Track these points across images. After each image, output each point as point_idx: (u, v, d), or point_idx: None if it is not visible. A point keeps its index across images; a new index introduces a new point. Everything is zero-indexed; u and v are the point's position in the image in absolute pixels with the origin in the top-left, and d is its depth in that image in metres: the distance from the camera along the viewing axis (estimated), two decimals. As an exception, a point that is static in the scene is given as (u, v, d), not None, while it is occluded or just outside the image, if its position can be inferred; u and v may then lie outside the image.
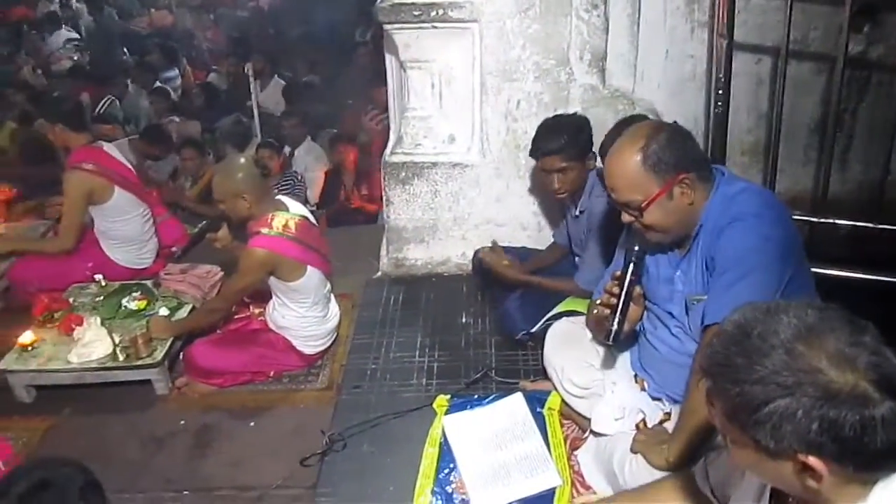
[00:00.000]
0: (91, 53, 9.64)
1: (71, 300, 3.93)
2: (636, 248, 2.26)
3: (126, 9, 11.86)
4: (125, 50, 9.59)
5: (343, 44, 9.22)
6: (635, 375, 2.59)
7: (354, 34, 9.48)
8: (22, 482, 1.62)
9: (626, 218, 2.23)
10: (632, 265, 2.24)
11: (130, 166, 4.44)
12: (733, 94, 3.14)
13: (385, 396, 3.09)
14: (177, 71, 8.53)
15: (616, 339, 2.25)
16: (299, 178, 5.69)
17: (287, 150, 6.09)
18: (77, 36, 10.42)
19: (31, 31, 10.17)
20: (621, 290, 2.24)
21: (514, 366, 3.23)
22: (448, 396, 2.94)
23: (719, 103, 3.07)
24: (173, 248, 4.66)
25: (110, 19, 10.97)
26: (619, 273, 2.28)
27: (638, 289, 2.31)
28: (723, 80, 3.02)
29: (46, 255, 4.32)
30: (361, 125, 6.67)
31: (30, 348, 3.56)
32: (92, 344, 3.51)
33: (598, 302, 2.36)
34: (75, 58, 9.46)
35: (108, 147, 4.37)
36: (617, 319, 2.23)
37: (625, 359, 2.65)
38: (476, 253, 3.67)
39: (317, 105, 7.19)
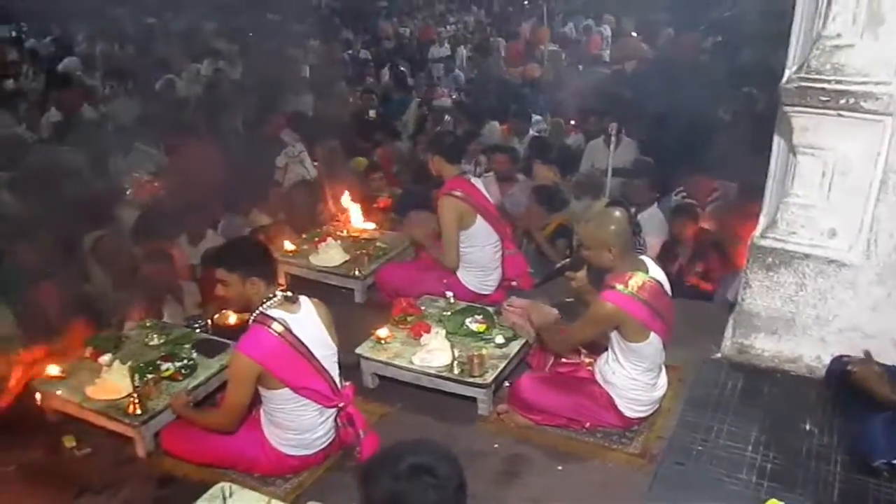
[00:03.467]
0: (469, 94, 10.65)
1: (423, 308, 4.34)
2: None
3: (504, 59, 12.93)
4: (496, 96, 10.45)
5: (703, 118, 9.08)
6: None
7: (717, 111, 9.31)
8: (411, 459, 1.78)
9: None
10: None
11: (492, 200, 4.80)
12: None
13: (708, 482, 2.95)
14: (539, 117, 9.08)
15: None
16: (641, 241, 5.69)
17: (632, 210, 6.12)
18: (463, 77, 11.63)
19: (421, 73, 11.55)
20: None
21: (863, 493, 2.90)
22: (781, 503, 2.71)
23: None
24: (513, 283, 4.92)
25: (491, 66, 12.04)
26: None
27: None
28: None
29: (413, 264, 4.83)
30: (704, 202, 6.49)
31: (383, 342, 4.00)
32: (435, 352, 3.84)
33: None
34: (453, 96, 10.53)
35: (474, 179, 4.77)
36: None
37: None
38: (840, 359, 3.36)
39: (666, 173, 7.15)
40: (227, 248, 3.30)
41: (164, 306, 4.82)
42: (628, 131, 7.70)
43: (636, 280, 3.30)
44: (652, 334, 3.33)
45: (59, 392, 3.75)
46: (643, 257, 3.51)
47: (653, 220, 6.15)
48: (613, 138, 6.70)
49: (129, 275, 5.17)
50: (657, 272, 3.43)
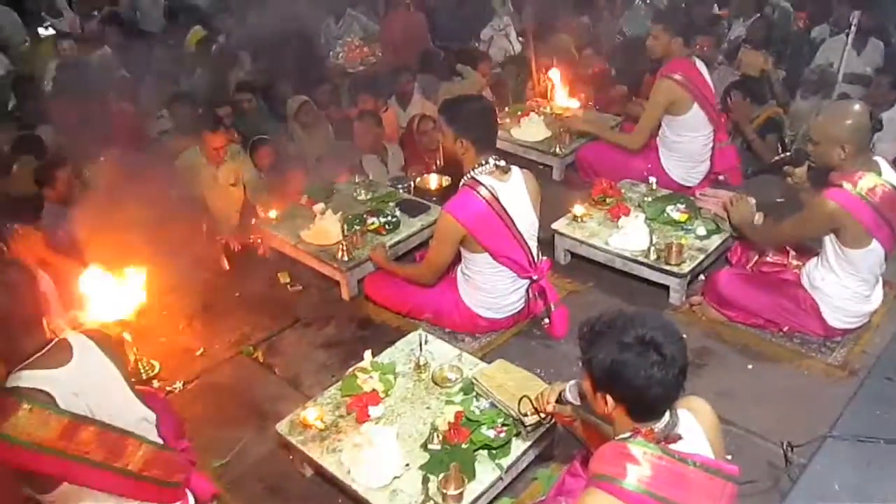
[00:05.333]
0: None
1: (622, 191, 4.24)
2: None
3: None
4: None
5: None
6: None
7: None
8: (640, 330, 1.77)
9: None
10: None
11: (712, 88, 4.50)
12: None
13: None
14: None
15: None
16: (873, 143, 5.15)
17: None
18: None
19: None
20: None
21: None
22: None
23: None
24: (721, 177, 4.66)
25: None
26: None
27: None
28: None
29: (612, 146, 4.71)
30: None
31: (579, 220, 3.99)
32: (631, 235, 3.79)
33: None
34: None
35: (699, 63, 4.44)
36: None
37: None
38: None
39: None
40: (456, 102, 3.32)
41: (369, 166, 5.05)
42: (876, 30, 6.77)
43: (867, 181, 3.01)
44: (874, 242, 3.07)
45: (277, 233, 4.12)
46: (878, 158, 3.17)
47: (891, 124, 5.52)
48: (853, 28, 5.96)
49: (329, 138, 5.44)
50: (893, 176, 3.10)
